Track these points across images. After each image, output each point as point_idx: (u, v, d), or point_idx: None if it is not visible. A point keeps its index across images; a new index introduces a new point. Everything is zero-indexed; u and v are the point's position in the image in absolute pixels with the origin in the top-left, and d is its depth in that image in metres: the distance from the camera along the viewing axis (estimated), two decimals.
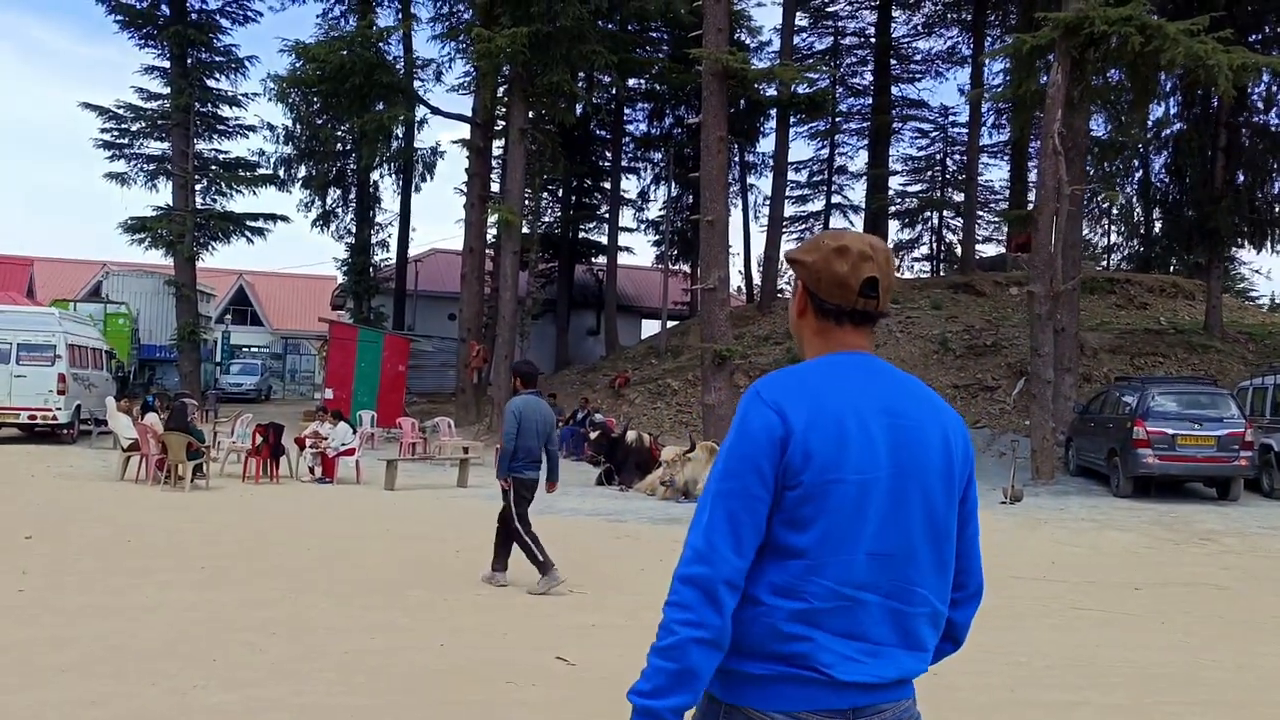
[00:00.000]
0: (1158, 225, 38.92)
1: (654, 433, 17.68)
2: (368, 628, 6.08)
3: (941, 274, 39.48)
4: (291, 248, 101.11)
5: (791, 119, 32.91)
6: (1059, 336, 17.83)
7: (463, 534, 10.33)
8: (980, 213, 39.08)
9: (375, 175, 34.20)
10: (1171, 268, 37.10)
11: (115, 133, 30.76)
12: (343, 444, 15.50)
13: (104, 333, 31.25)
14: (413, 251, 37.25)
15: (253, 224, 32.54)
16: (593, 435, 16.08)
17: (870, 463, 1.76)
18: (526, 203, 26.87)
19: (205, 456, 14.19)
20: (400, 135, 32.77)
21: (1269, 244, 25.35)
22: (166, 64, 29.98)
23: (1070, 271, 18.33)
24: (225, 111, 31.78)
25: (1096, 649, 5.96)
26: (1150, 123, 25.06)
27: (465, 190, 27.74)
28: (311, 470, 15.68)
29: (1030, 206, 31.56)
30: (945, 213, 44.76)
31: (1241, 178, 24.53)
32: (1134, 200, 38.74)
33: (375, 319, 33.26)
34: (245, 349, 44.67)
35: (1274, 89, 24.73)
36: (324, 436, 15.81)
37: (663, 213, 36.10)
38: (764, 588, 1.76)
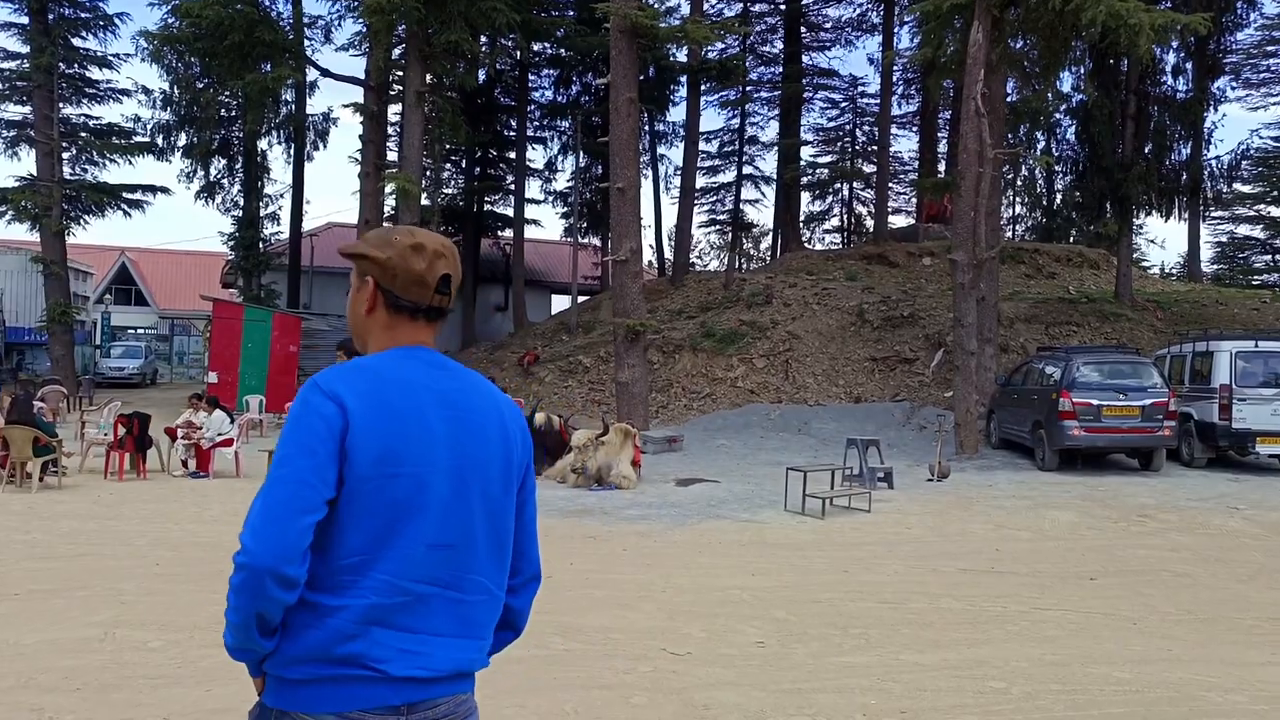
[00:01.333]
0: (1059, 196, 39.38)
1: (564, 414, 16.55)
2: (201, 677, 4.89)
3: (853, 245, 39.12)
4: (178, 223, 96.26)
5: (703, 86, 31.95)
6: (980, 306, 17.32)
7: None
8: (891, 184, 38.91)
9: (263, 144, 32.21)
10: (1072, 238, 37.48)
11: None
12: (219, 434, 14.03)
13: None
14: (308, 225, 35.30)
15: (129, 196, 30.28)
16: None
17: (429, 456, 1.79)
18: (427, 172, 25.35)
19: (57, 452, 12.59)
20: (290, 100, 30.80)
21: (1176, 211, 25.43)
22: (25, 20, 27.42)
23: (991, 240, 17.83)
24: (95, 74, 29.37)
25: (1076, 666, 5.15)
26: (1059, 90, 24.85)
27: (360, 159, 26.07)
28: (185, 464, 14.18)
29: (941, 175, 31.43)
30: (856, 184, 44.60)
31: (1150, 146, 24.51)
32: (1037, 171, 39.06)
33: (266, 297, 31.32)
34: (129, 331, 41.95)
35: (1181, 55, 24.75)
36: (198, 426, 14.30)
37: (571, 184, 34.80)
38: (320, 586, 1.74)
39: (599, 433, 12.94)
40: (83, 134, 29.37)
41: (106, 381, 34.26)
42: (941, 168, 35.76)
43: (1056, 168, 31.25)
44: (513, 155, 34.88)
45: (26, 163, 28.44)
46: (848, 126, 44.22)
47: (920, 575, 7.88)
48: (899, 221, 42.17)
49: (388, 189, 23.49)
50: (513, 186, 34.84)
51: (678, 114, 37.59)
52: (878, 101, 35.81)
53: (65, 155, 28.71)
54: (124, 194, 29.98)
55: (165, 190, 30.83)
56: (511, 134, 34.87)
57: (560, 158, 37.67)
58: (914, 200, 40.89)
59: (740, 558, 8.57)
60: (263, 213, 32.09)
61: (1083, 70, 24.55)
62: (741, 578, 7.65)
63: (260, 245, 31.94)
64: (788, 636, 5.79)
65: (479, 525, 1.83)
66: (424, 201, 25.17)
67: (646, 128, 37.30)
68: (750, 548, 9.15)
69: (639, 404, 18.69)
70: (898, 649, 5.50)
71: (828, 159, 44.29)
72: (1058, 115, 26.07)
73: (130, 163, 29.98)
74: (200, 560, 7.85)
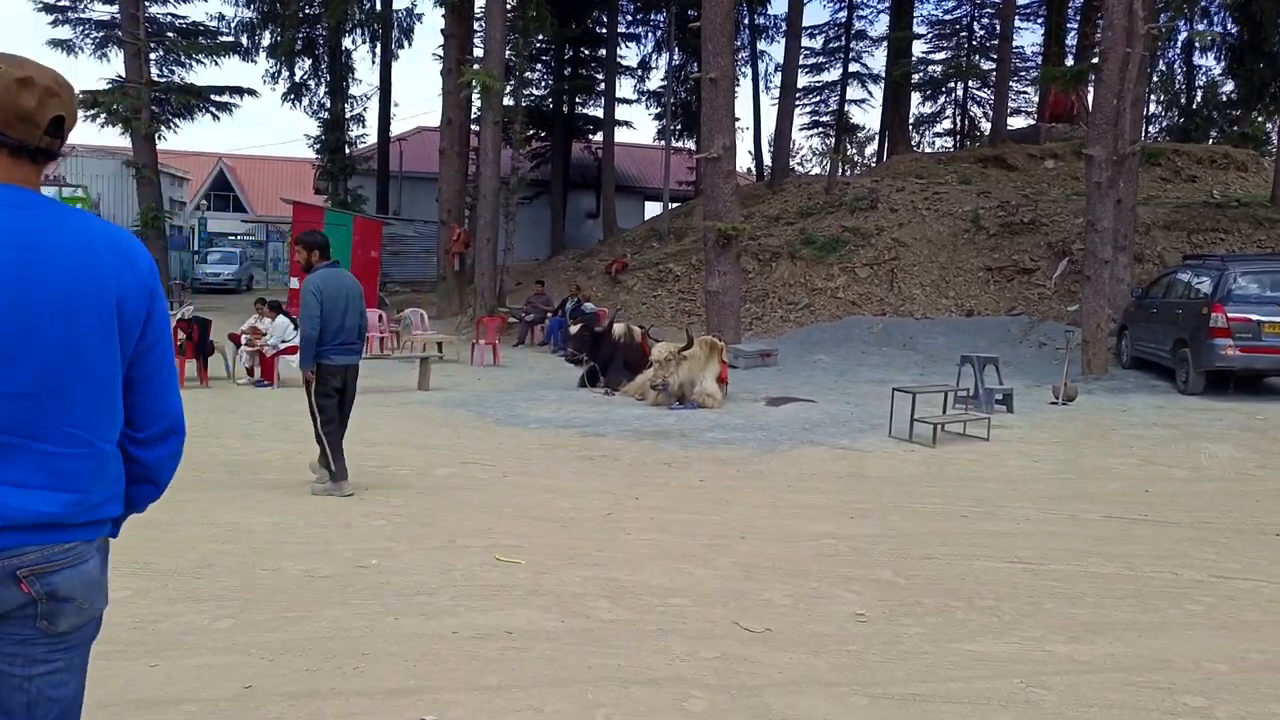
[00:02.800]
0: (1199, 94, 35.76)
1: (647, 325, 15.33)
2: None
3: (966, 149, 36.34)
4: (269, 128, 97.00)
5: None
6: (1117, 209, 15.32)
7: (374, 444, 8.25)
8: (1010, 82, 35.78)
9: (347, 42, 31.19)
10: (1211, 139, 34.00)
11: None
12: (283, 341, 13.30)
13: None
14: (396, 129, 34.49)
15: (217, 98, 29.83)
16: (573, 328, 13.79)
17: None
18: (511, 68, 23.93)
19: None
20: None
21: None
22: None
23: (1133, 134, 15.68)
24: None
25: None
26: None
27: (442, 55, 24.84)
28: (250, 371, 13.56)
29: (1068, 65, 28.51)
30: (971, 83, 41.39)
31: None
32: (1176, 64, 35.49)
33: (353, 202, 30.72)
34: (226, 237, 42.19)
35: None
36: (262, 332, 13.62)
37: (665, 83, 32.96)
38: None
39: (682, 346, 11.71)
40: (169, 34, 28.81)
41: (203, 287, 34.45)
42: (1069, 63, 32.64)
43: (1205, 58, 28.02)
44: (604, 53, 33.13)
45: (115, 65, 27.97)
46: (964, 19, 40.85)
47: (1056, 523, 6.52)
48: (1017, 123, 39.10)
49: (469, 85, 22.23)
50: (604, 87, 33.18)
51: (779, 6, 35.13)
52: None
53: (152, 56, 28.21)
54: (212, 96, 29.55)
55: (252, 92, 30.27)
56: (603, 30, 33.06)
57: (654, 55, 35.80)
58: (1036, 98, 37.78)
59: (837, 494, 7.33)
60: (348, 114, 31.24)
61: None
62: (838, 521, 6.42)
63: (346, 149, 31.18)
64: (896, 608, 4.56)
65: (67, 374, 1.74)
66: (507, 101, 23.85)
67: (745, 20, 35.03)
68: (849, 481, 7.89)
69: (730, 315, 17.35)
70: (1043, 634, 4.22)
71: (941, 55, 41.09)
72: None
73: (216, 63, 29.38)
74: (212, 482, 7.01)
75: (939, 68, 39.19)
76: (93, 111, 27.69)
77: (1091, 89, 17.89)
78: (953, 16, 39.79)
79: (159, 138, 28.83)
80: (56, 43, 28.28)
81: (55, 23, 28.25)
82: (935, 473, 8.34)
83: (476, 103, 23.90)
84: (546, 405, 11.75)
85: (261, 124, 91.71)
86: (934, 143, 43.59)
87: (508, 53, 23.85)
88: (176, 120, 29.61)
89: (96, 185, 32.75)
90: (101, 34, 28.56)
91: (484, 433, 9.77)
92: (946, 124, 44.09)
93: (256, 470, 7.65)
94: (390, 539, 5.50)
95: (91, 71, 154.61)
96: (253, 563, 4.95)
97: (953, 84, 40.94)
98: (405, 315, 19.28)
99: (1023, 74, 40.24)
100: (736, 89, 44.09)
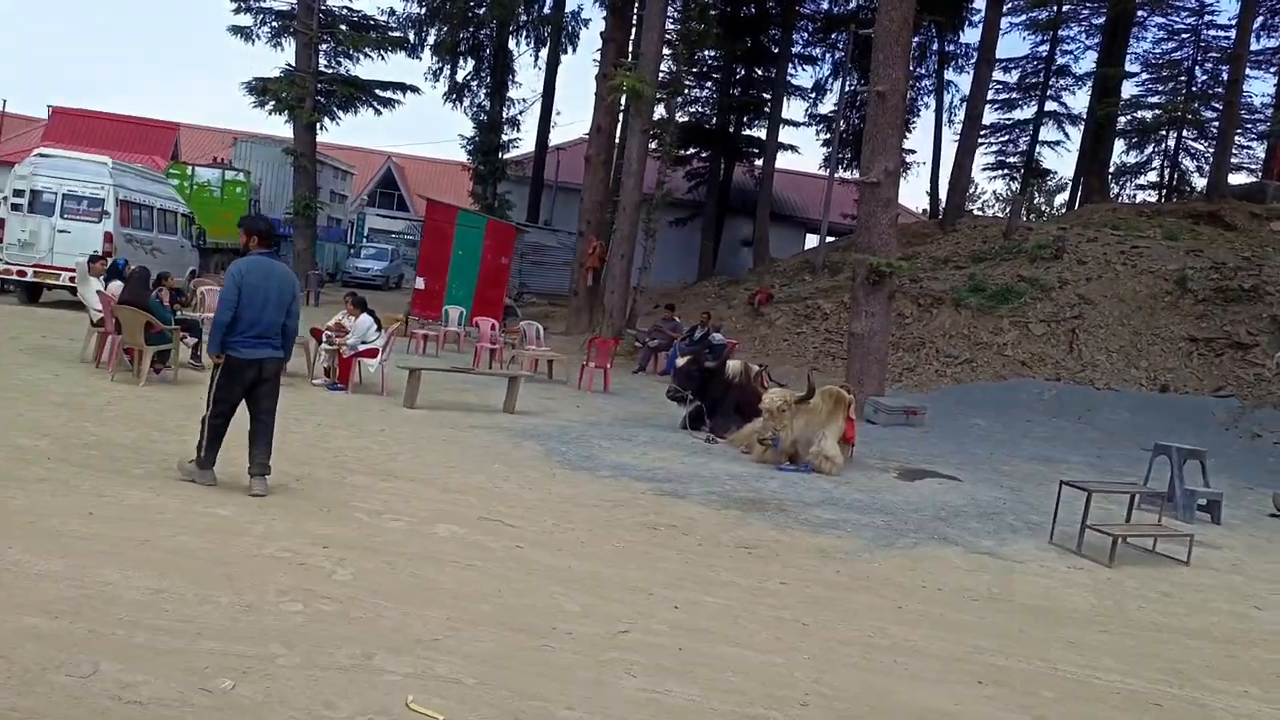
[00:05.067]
0: None
1: (764, 364, 13.28)
2: None
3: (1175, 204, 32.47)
4: (428, 126, 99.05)
5: (1006, 3, 26.89)
6: None
7: (392, 479, 6.62)
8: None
9: (512, 45, 30.55)
10: None
11: None
12: (362, 342, 12.03)
13: (220, 201, 29.33)
14: (555, 138, 33.62)
15: (381, 93, 29.74)
16: (679, 361, 11.94)
17: None
18: (665, 76, 22.40)
19: (174, 343, 11.00)
20: None
21: None
22: None
23: None
24: None
25: None
26: None
27: (599, 58, 23.60)
28: (326, 372, 12.35)
29: None
30: (1186, 133, 37.27)
31: None
32: None
33: (500, 207, 29.94)
34: (385, 234, 42.58)
35: None
36: (346, 330, 12.41)
37: (836, 107, 30.78)
38: None
39: (800, 395, 9.69)
40: (342, 25, 28.87)
41: (353, 281, 34.53)
42: None
43: None
44: (774, 72, 31.29)
45: (287, 53, 28.16)
46: (1186, 63, 36.80)
47: None
48: (1237, 179, 34.83)
49: (619, 90, 20.82)
50: (770, 108, 31.33)
51: (972, 36, 32.27)
52: (1228, 34, 29.09)
53: (322, 47, 28.29)
54: (375, 90, 29.47)
55: (414, 89, 30.00)
56: (777, 49, 31.24)
57: (830, 79, 33.66)
58: (1262, 154, 33.56)
59: (964, 632, 5.21)
60: (505, 117, 30.52)
61: None
62: (957, 688, 4.34)
63: (499, 152, 30.48)
64: None
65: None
66: (660, 112, 22.36)
67: (934, 47, 32.55)
68: (985, 609, 5.73)
69: (874, 362, 15.13)
70: None
71: (1155, 100, 37.13)
72: None
73: (383, 57, 29.24)
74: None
75: (1151, 112, 35.31)
76: (262, 98, 28.06)
77: None
78: (1168, 57, 35.92)
79: (320, 128, 28.84)
80: (235, 29, 28.75)
81: (238, 10, 28.73)
82: (1111, 610, 6.06)
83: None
84: (632, 448, 9.95)
85: (417, 120, 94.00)
86: (1134, 196, 39.50)
87: (667, 63, 22.40)
88: (339, 111, 29.61)
89: (260, 171, 33.24)
90: (278, 23, 28.85)
91: (539, 476, 8.06)
92: (1152, 176, 39.93)
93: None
94: (289, 639, 3.82)
95: (265, 59, 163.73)
96: (52, 659, 3.35)
97: (1164, 132, 36.91)
98: (519, 327, 17.92)
99: (1248, 127, 35.91)
100: (916, 119, 41.40)
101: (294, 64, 27.63)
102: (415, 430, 9.60)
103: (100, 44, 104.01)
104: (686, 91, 28.17)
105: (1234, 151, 33.45)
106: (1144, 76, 35.99)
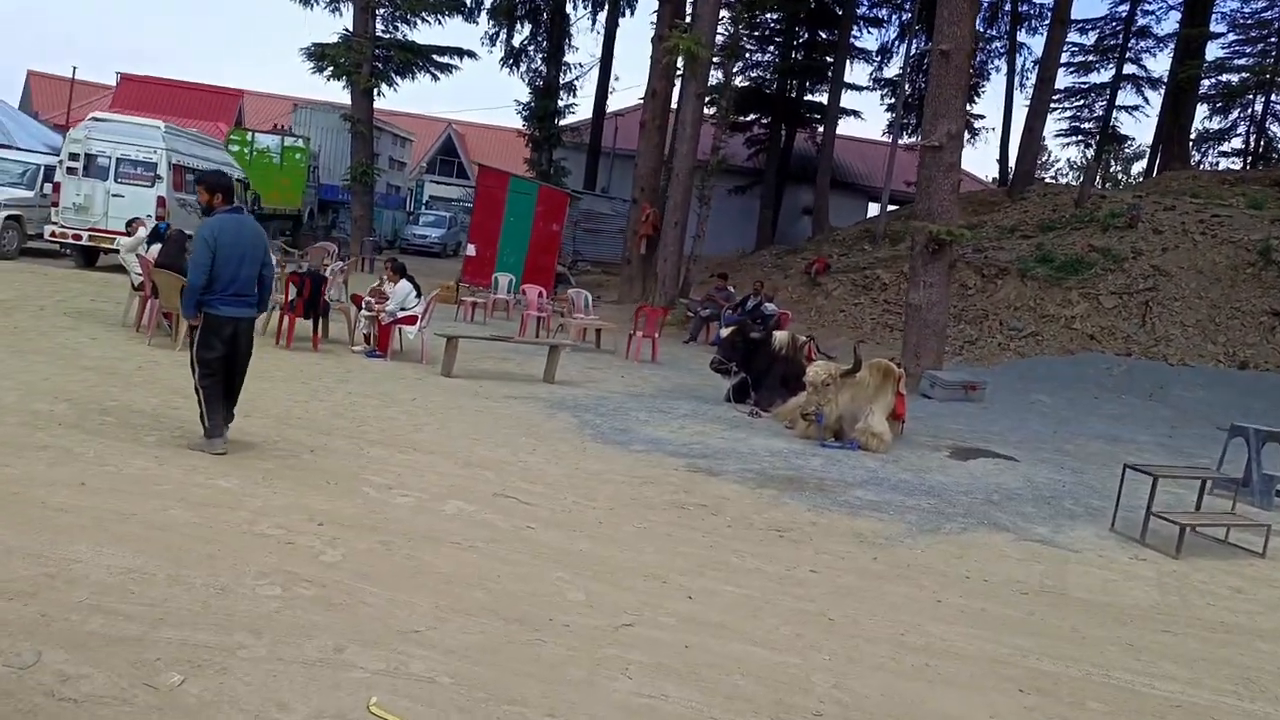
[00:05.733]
0: None
1: (812, 335, 12.72)
2: None
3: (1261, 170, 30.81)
4: (487, 93, 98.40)
5: None
6: None
7: (411, 451, 6.34)
8: None
9: (569, 8, 30.05)
10: None
11: None
12: (401, 308, 11.82)
13: (279, 168, 29.43)
14: (614, 105, 33.11)
15: (438, 58, 29.55)
16: (724, 331, 11.48)
17: None
18: (723, 39, 21.72)
19: None
20: None
21: None
22: None
23: None
24: None
25: None
26: None
27: (655, 21, 23.02)
28: (367, 339, 12.18)
29: None
30: (1274, 97, 35.32)
31: None
32: None
33: (555, 174, 29.58)
34: (444, 201, 42.52)
35: None
36: (386, 297, 12.21)
37: (902, 70, 29.75)
38: None
39: (847, 367, 9.21)
40: None
41: (410, 248, 34.59)
42: None
43: None
44: (837, 35, 30.32)
45: (345, 19, 28.09)
46: (1276, 23, 34.78)
47: None
48: None
49: (674, 52, 20.25)
50: (832, 72, 30.40)
51: None
52: None
53: (379, 11, 28.12)
54: (432, 55, 29.28)
55: (472, 54, 29.79)
56: (840, 10, 30.25)
57: (896, 43, 32.56)
58: None
59: (1010, 631, 4.77)
60: (561, 81, 30.08)
61: None
62: (996, 697, 3.92)
63: (555, 118, 30.09)
64: None
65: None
66: (716, 75, 21.73)
67: (1006, 6, 31.25)
68: (1036, 604, 5.27)
69: (933, 334, 14.53)
70: None
71: (1242, 62, 35.22)
72: None
73: (440, 21, 29.00)
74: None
75: (1237, 75, 33.51)
76: (320, 63, 28.02)
77: None
78: (1260, 16, 33.97)
79: (378, 94, 28.75)
80: None
81: None
82: (1175, 607, 5.55)
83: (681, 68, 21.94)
84: (670, 421, 9.59)
85: (475, 89, 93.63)
86: (1217, 163, 37.67)
87: (726, 25, 21.74)
88: (396, 77, 29.47)
89: (319, 139, 33.33)
90: None
91: (568, 450, 7.74)
92: (1236, 143, 38.01)
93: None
94: (257, 627, 3.54)
95: (324, 24, 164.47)
96: None
97: (1251, 96, 35.04)
98: (567, 295, 17.61)
99: None
100: (986, 82, 39.93)
101: (351, 29, 27.55)
102: (447, 400, 9.35)
103: (167, 10, 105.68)
104: (746, 55, 27.46)
105: None
106: (1230, 37, 34.10)
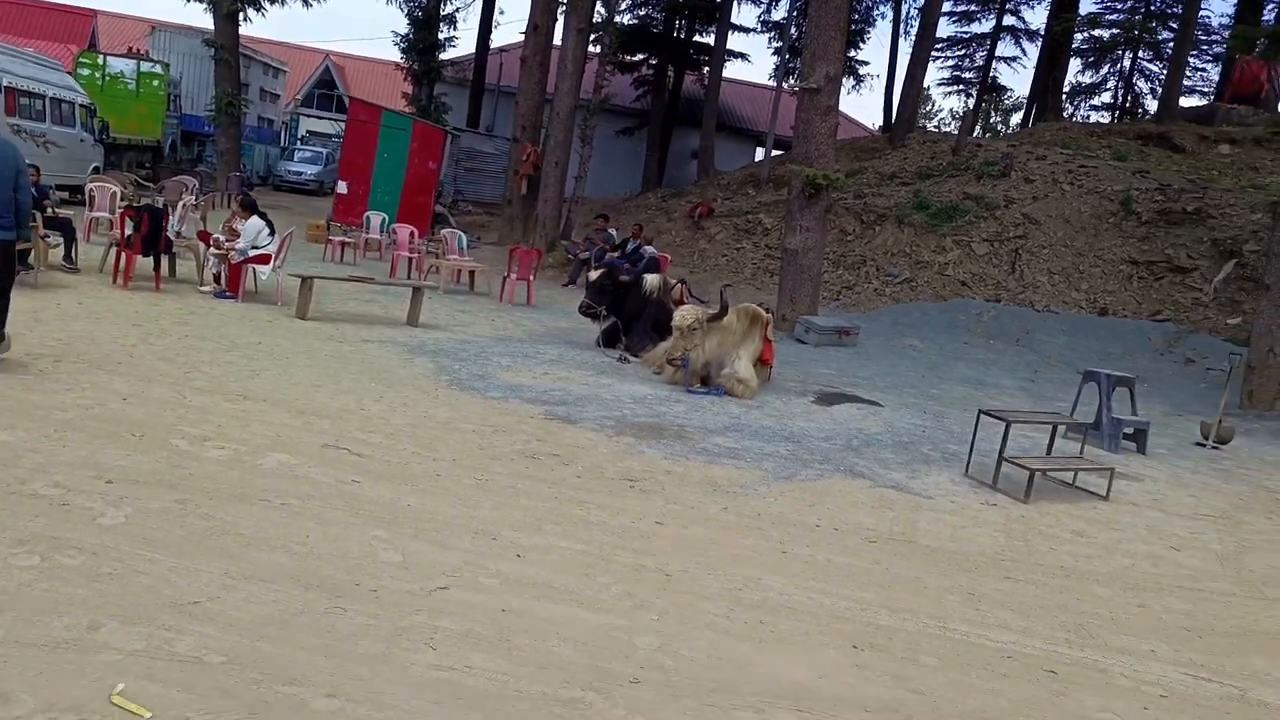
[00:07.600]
0: None
1: (683, 279, 12.49)
2: None
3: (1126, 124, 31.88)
4: (370, 25, 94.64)
5: None
6: None
7: (241, 400, 5.87)
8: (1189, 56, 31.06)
9: None
10: None
11: None
12: (252, 247, 11.10)
13: (135, 95, 27.51)
14: (499, 40, 32.01)
15: None
16: (593, 275, 11.14)
17: None
18: None
19: (34, 244, 9.99)
20: None
21: None
22: None
23: None
24: None
25: None
26: None
27: None
28: (217, 279, 11.41)
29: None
30: (1141, 55, 36.54)
31: None
32: None
33: (435, 110, 28.50)
34: (323, 136, 40.66)
35: None
36: (238, 234, 11.45)
37: (789, 13, 29.56)
38: None
39: (713, 312, 9.02)
40: None
41: (283, 185, 33.01)
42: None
43: None
44: None
45: None
46: None
47: (1216, 700, 3.75)
48: (1189, 103, 34.29)
49: None
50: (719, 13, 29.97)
51: None
52: None
53: None
54: None
55: None
56: None
57: None
58: (1215, 78, 33.00)
59: (852, 582, 4.65)
60: (442, 11, 28.86)
61: None
62: (830, 653, 3.77)
63: (435, 51, 28.90)
64: None
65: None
66: (600, 10, 21.12)
67: None
68: (882, 552, 5.19)
69: (808, 279, 14.52)
70: None
71: (1113, 18, 36.18)
72: None
73: None
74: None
75: (1108, 31, 34.42)
76: None
77: None
78: None
79: (244, 19, 27.05)
80: None
81: None
82: (1020, 552, 5.55)
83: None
84: (534, 366, 9.26)
85: (367, 24, 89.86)
86: (1089, 116, 38.87)
87: None
88: (264, 1, 27.74)
89: (177, 64, 31.28)
90: None
91: (419, 397, 7.34)
92: (1106, 97, 39.29)
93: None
94: None
95: None
96: None
97: (1120, 52, 36.14)
98: (441, 236, 16.97)
99: (1203, 48, 35.29)
100: (871, 29, 40.12)
101: None
102: (295, 344, 8.80)
103: None
104: None
105: (1187, 74, 32.91)
106: None
